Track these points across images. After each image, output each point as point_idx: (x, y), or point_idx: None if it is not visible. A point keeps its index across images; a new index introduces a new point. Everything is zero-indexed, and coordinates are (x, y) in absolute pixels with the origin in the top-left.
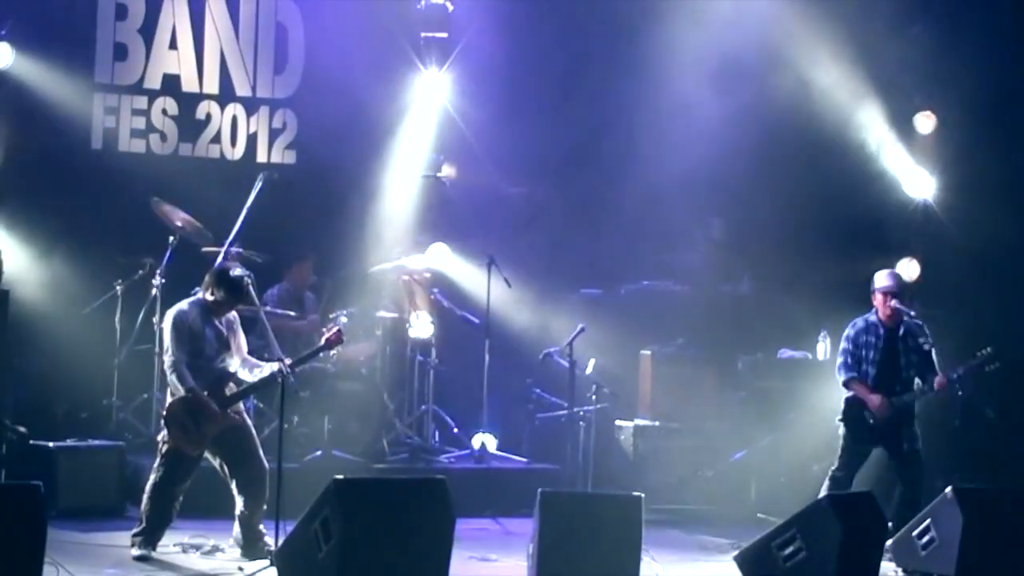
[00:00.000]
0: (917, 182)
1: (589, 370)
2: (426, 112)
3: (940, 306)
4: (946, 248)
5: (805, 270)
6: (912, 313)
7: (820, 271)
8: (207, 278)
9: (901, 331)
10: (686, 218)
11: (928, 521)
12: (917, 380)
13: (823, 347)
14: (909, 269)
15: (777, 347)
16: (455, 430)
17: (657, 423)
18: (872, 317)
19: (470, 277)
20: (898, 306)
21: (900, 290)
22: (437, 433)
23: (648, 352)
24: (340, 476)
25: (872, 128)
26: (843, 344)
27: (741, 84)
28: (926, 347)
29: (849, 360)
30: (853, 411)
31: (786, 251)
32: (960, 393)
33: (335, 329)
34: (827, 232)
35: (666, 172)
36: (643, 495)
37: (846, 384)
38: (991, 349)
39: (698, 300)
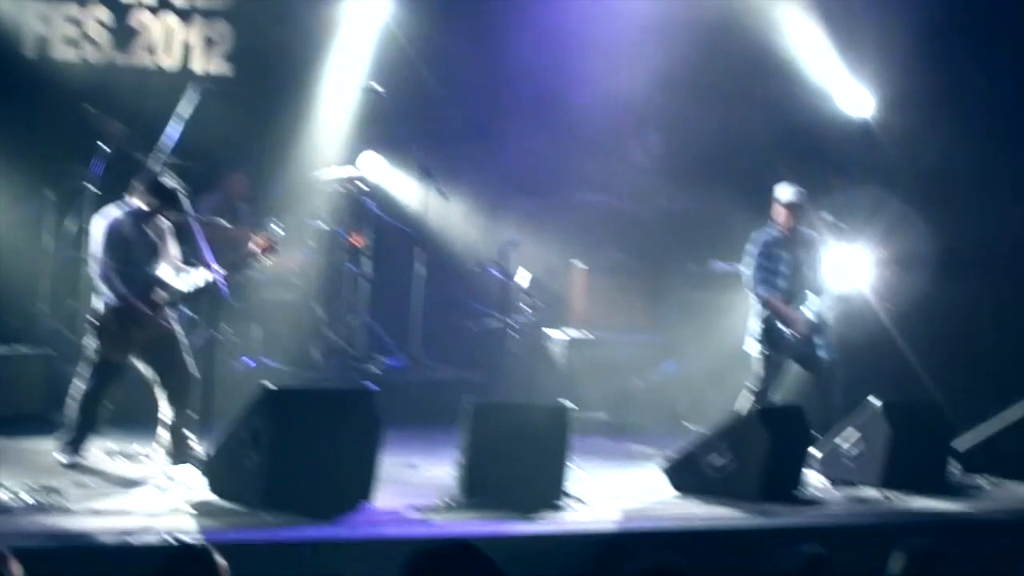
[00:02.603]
0: (855, 98)
1: (521, 281)
2: (364, 24)
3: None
4: (885, 167)
5: (738, 186)
6: (843, 225)
7: (754, 187)
8: (138, 185)
9: (802, 241)
10: (622, 132)
11: (857, 434)
12: (827, 288)
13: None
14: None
15: (709, 259)
16: (387, 340)
17: (589, 335)
18: (774, 229)
19: (405, 188)
20: (827, 217)
21: (804, 203)
22: (369, 343)
23: (581, 264)
24: (269, 384)
25: (809, 43)
26: (754, 260)
27: None
28: (826, 255)
29: (761, 275)
30: (768, 326)
31: (720, 168)
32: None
33: (267, 238)
34: (761, 149)
35: (601, 86)
36: (571, 404)
37: (761, 299)
38: (891, 304)
39: (633, 214)
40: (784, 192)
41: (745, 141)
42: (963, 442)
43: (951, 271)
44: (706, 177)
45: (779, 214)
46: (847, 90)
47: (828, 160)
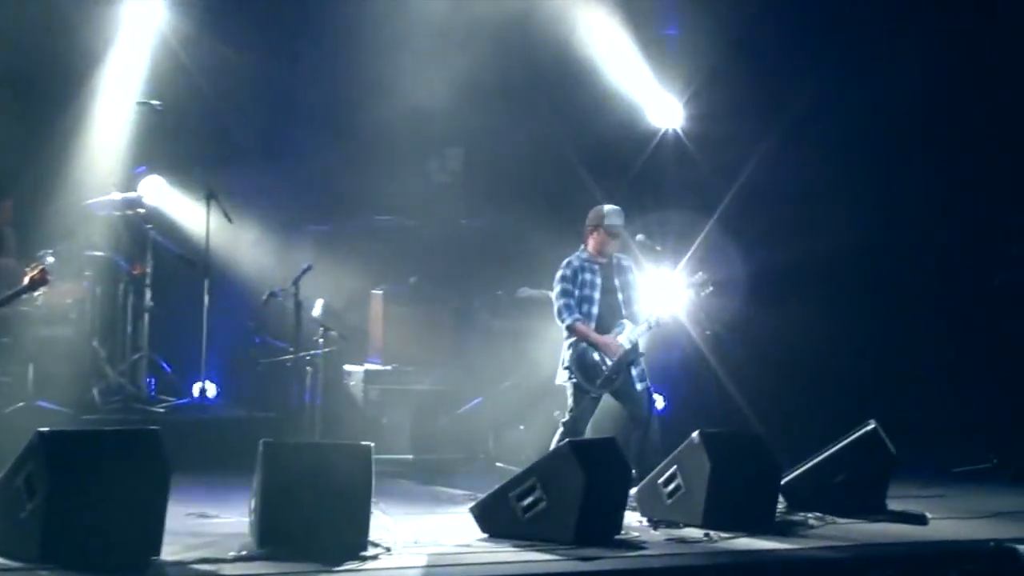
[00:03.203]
0: (663, 109)
1: (316, 311)
2: (139, 34)
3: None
4: (695, 178)
5: (546, 204)
6: (659, 247)
7: (562, 205)
8: None
9: (615, 266)
10: (419, 150)
11: (674, 468)
12: (642, 315)
13: None
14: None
15: (517, 285)
16: (172, 377)
17: (389, 367)
18: (584, 254)
19: (188, 212)
20: (642, 239)
21: (617, 224)
22: (153, 381)
23: (379, 291)
24: (45, 428)
25: (616, 54)
26: (561, 285)
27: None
28: (640, 280)
29: (571, 302)
30: (580, 356)
31: (526, 185)
32: (708, 332)
33: (39, 268)
34: (569, 164)
35: (397, 103)
36: (373, 444)
37: (570, 328)
38: (703, 274)
39: (433, 236)
40: (596, 214)
41: (552, 156)
42: (787, 476)
43: (771, 293)
44: (511, 195)
45: (591, 236)
46: (656, 100)
47: (641, 176)
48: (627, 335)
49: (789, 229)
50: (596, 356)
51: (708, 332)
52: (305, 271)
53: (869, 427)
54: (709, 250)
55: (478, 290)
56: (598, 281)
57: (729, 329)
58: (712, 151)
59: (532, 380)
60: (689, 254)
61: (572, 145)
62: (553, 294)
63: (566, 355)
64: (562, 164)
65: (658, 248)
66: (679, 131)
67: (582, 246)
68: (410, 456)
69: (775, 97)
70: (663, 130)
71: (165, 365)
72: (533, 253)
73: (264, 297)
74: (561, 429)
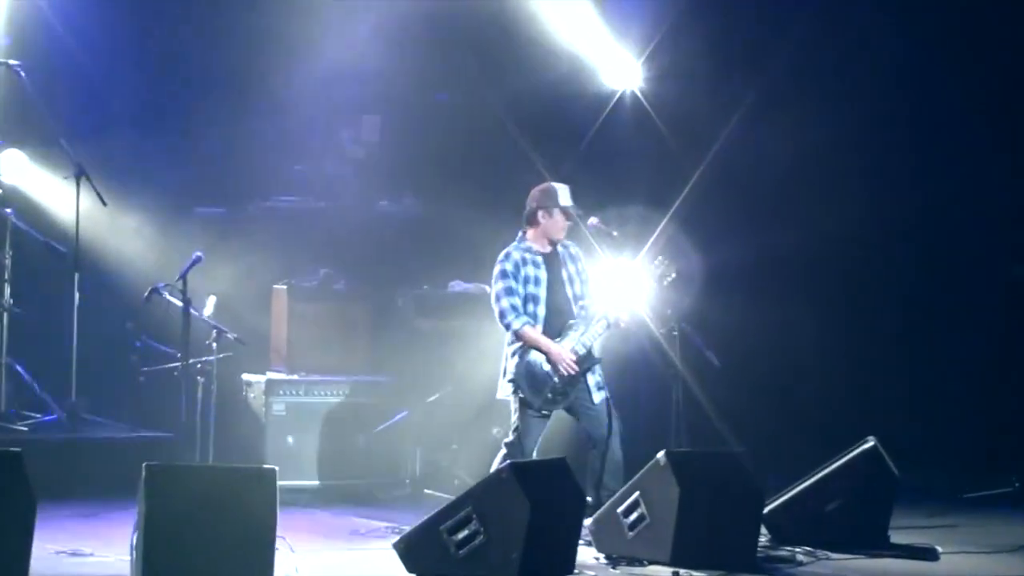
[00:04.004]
0: (618, 67)
1: (208, 311)
2: None
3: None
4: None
5: (481, 182)
6: (615, 233)
7: (500, 183)
8: None
9: (561, 256)
10: (329, 118)
11: (636, 495)
12: (597, 313)
13: None
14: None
15: (448, 279)
16: (37, 389)
17: (295, 376)
18: (525, 243)
19: (54, 193)
20: (596, 224)
21: (568, 207)
22: (14, 394)
23: (282, 286)
24: None
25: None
26: (502, 283)
27: None
28: (591, 271)
29: (516, 302)
30: (528, 367)
31: (459, 158)
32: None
33: None
34: (507, 134)
35: (302, 63)
36: (277, 468)
37: (518, 333)
38: (663, 259)
39: (347, 220)
40: (542, 193)
41: (487, 124)
42: (771, 503)
43: (750, 285)
44: (439, 171)
45: (535, 220)
46: (610, 59)
47: (594, 148)
48: (579, 338)
49: (772, 209)
50: (547, 366)
51: (675, 332)
52: (194, 262)
53: (868, 444)
54: (676, 235)
55: (401, 284)
56: (543, 276)
57: (699, 328)
58: (679, 117)
59: (466, 391)
60: (652, 239)
61: (510, 112)
62: (492, 292)
63: (510, 364)
64: (499, 134)
65: (614, 233)
66: (638, 93)
67: (520, 233)
68: (321, 482)
69: (753, 51)
70: (619, 92)
71: (27, 375)
72: (466, 240)
73: (146, 294)
74: (503, 450)
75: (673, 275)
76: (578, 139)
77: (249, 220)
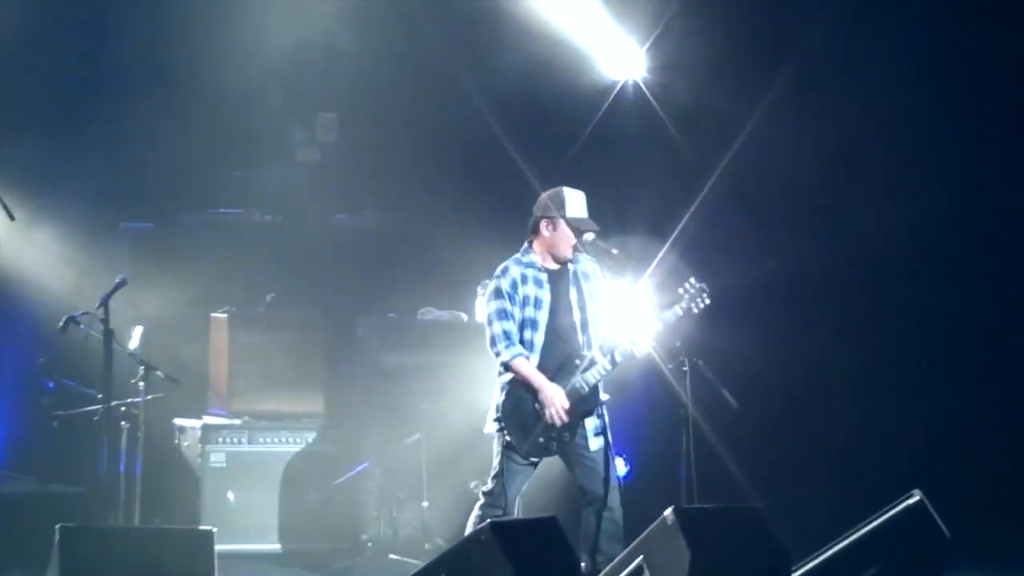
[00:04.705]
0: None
1: (134, 343)
2: None
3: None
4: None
5: (457, 191)
6: (615, 251)
7: (479, 191)
8: None
9: (571, 274)
10: (278, 117)
11: (639, 560)
12: (606, 344)
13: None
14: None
15: (417, 305)
16: None
17: (237, 421)
18: (529, 257)
19: None
20: (594, 240)
21: (581, 218)
22: None
23: (222, 314)
24: None
25: None
26: (496, 303)
27: None
28: (609, 293)
29: (510, 327)
30: (518, 404)
31: (428, 163)
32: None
33: None
34: (490, 134)
35: (246, 53)
36: (215, 529)
37: (507, 365)
38: (696, 280)
39: (298, 235)
40: (552, 199)
41: (467, 122)
42: (799, 568)
43: (773, 313)
44: (407, 178)
45: (541, 231)
46: (611, 47)
47: (592, 148)
48: (581, 375)
49: (799, 221)
50: (532, 404)
51: (685, 367)
52: (118, 286)
53: (913, 499)
54: (686, 253)
55: (362, 311)
56: (545, 297)
57: (714, 362)
58: (689, 114)
59: (438, 438)
60: (658, 257)
61: (494, 108)
62: (485, 315)
63: (500, 399)
64: (480, 133)
65: (614, 251)
66: (641, 84)
67: (525, 244)
68: (267, 546)
69: (774, 40)
70: (619, 83)
71: None
72: (438, 259)
73: (60, 323)
74: (481, 501)
75: (707, 300)
76: (572, 138)
77: (182, 236)
